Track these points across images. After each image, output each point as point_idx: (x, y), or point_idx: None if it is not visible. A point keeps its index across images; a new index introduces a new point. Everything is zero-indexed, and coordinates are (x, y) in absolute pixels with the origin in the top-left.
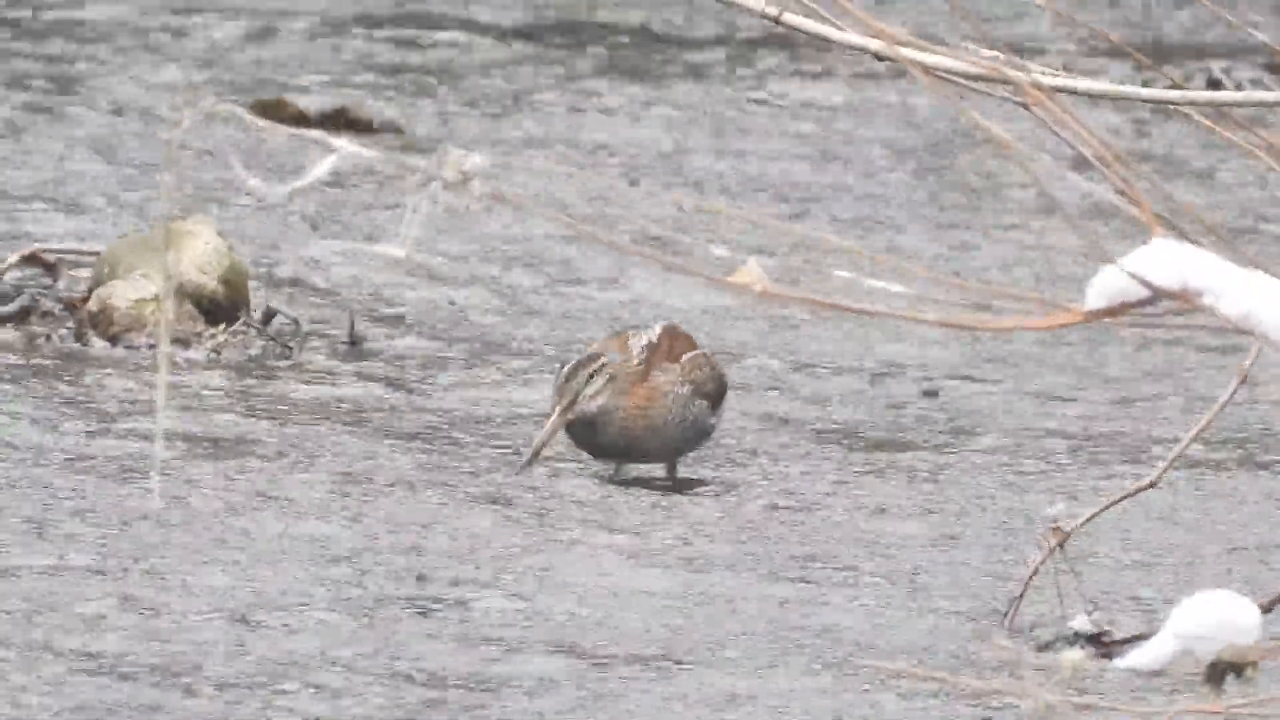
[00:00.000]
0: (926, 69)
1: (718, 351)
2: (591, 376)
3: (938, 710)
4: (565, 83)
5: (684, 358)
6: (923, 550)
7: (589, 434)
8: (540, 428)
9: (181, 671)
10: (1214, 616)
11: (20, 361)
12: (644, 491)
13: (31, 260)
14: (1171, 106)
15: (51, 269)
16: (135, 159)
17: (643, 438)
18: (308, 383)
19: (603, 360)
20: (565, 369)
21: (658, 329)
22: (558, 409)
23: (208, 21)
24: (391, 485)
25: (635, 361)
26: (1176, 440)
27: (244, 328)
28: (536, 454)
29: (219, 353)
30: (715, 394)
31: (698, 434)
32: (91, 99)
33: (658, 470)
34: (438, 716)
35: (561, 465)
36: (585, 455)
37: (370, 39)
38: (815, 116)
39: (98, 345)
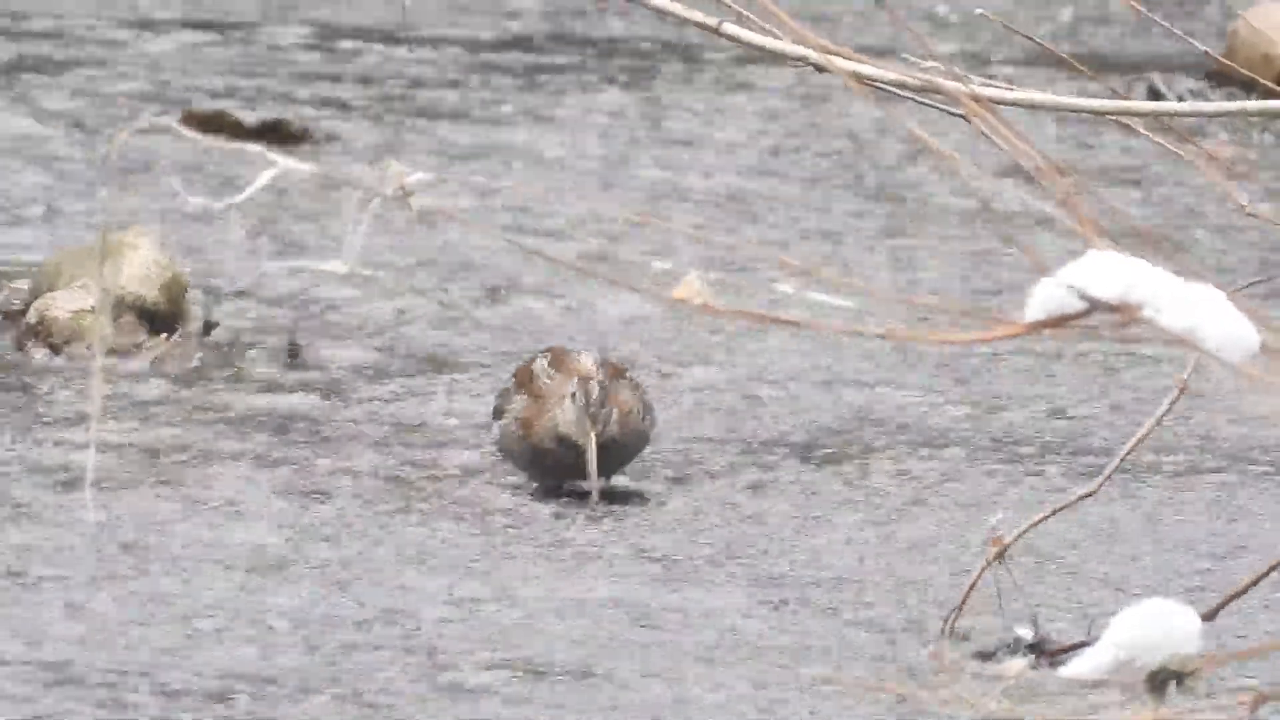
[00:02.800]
0: (863, 80)
1: (663, 361)
2: (604, 398)
3: (877, 719)
4: (505, 94)
5: (626, 374)
6: (863, 559)
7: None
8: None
9: (124, 680)
10: (1155, 625)
11: None
12: (583, 503)
13: None
14: (1111, 117)
15: None
16: (75, 170)
17: (624, 453)
18: (247, 393)
19: (597, 380)
20: (589, 399)
21: (588, 350)
22: (592, 434)
23: (149, 33)
24: (331, 495)
25: (598, 380)
26: (1116, 450)
27: (184, 338)
28: (595, 480)
29: (159, 363)
30: (651, 407)
31: (642, 447)
32: (31, 109)
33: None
34: None
35: (499, 477)
36: (522, 471)
37: (309, 50)
38: (757, 128)
39: (38, 355)
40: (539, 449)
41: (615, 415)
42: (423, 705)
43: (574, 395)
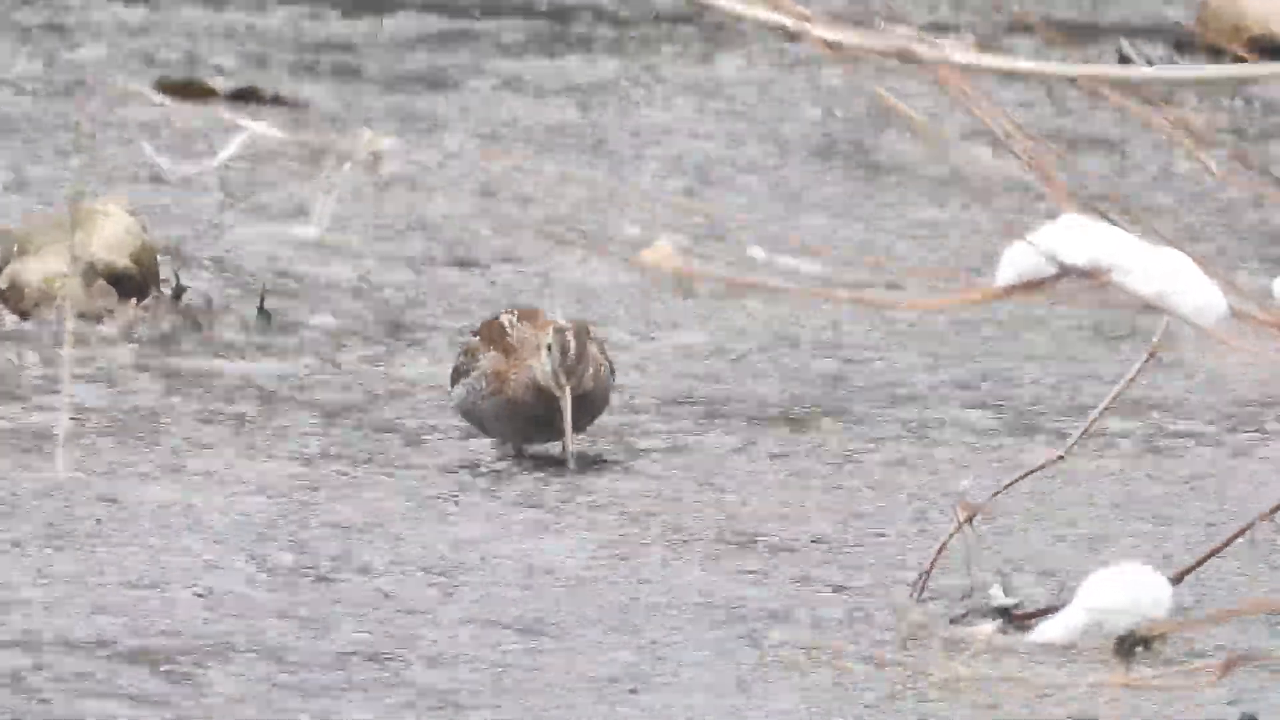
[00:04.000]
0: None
1: (634, 326)
2: (582, 353)
3: (848, 683)
4: (478, 59)
5: (589, 332)
6: (834, 524)
7: (547, 411)
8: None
9: (98, 644)
10: (1124, 589)
11: None
12: (551, 464)
13: None
14: (1081, 83)
15: None
16: (45, 136)
17: (595, 408)
18: (217, 358)
19: (571, 331)
20: (565, 351)
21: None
22: (566, 387)
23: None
24: (302, 459)
25: (574, 332)
26: (1087, 414)
27: (155, 303)
28: (569, 440)
29: (131, 328)
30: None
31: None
32: None
33: (555, 447)
34: (351, 689)
35: (471, 439)
36: (486, 433)
37: (281, 15)
38: (729, 95)
39: (9, 321)
40: (515, 402)
41: (590, 370)
42: (388, 664)
43: (549, 346)
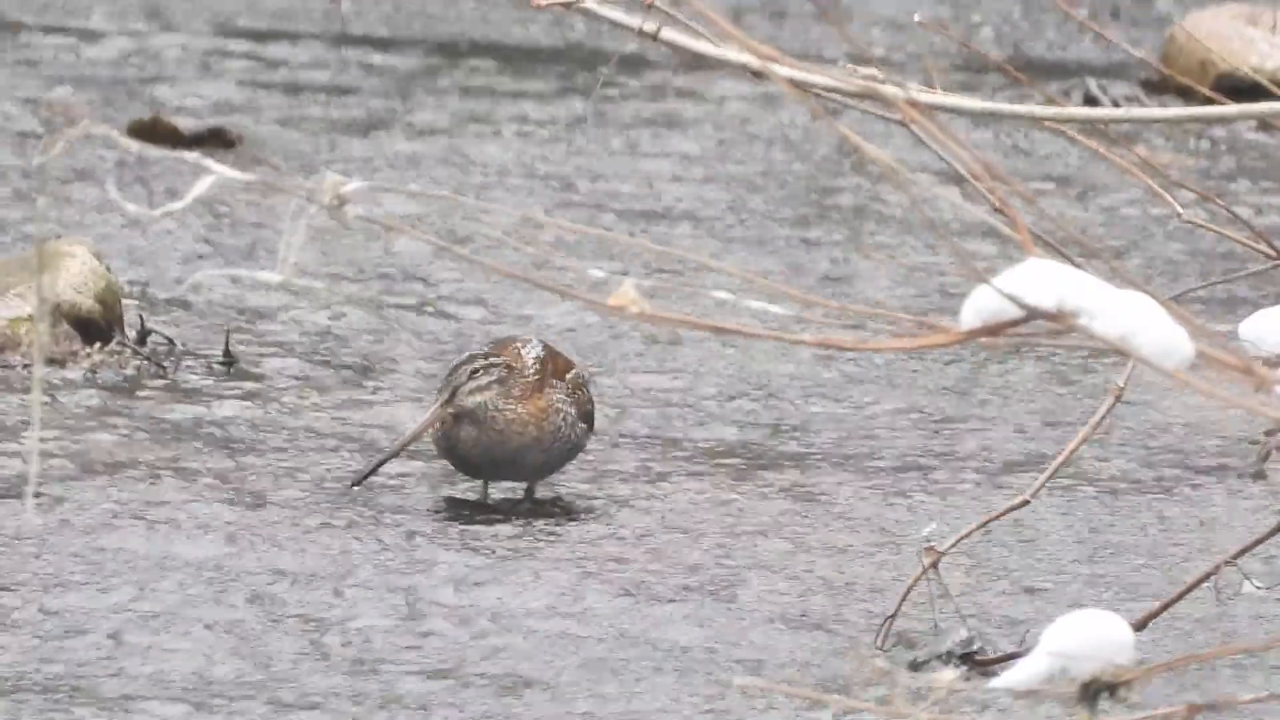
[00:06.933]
0: (801, 86)
1: (594, 369)
2: (475, 373)
3: None
4: (442, 100)
5: (567, 375)
6: (798, 569)
7: (463, 437)
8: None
9: (59, 689)
10: (1088, 635)
11: None
12: (517, 512)
13: None
14: (1048, 124)
15: None
16: (9, 177)
17: (522, 450)
18: (183, 402)
19: (493, 360)
20: (453, 363)
21: (539, 345)
22: (439, 401)
23: (82, 37)
24: (265, 504)
25: (531, 371)
26: (1051, 459)
27: (120, 347)
28: (405, 445)
29: (95, 372)
30: (590, 416)
31: (572, 454)
32: None
33: (520, 489)
34: None
35: (431, 485)
36: (456, 472)
37: (246, 57)
38: (695, 135)
39: None
40: (449, 435)
41: (482, 393)
42: (357, 715)
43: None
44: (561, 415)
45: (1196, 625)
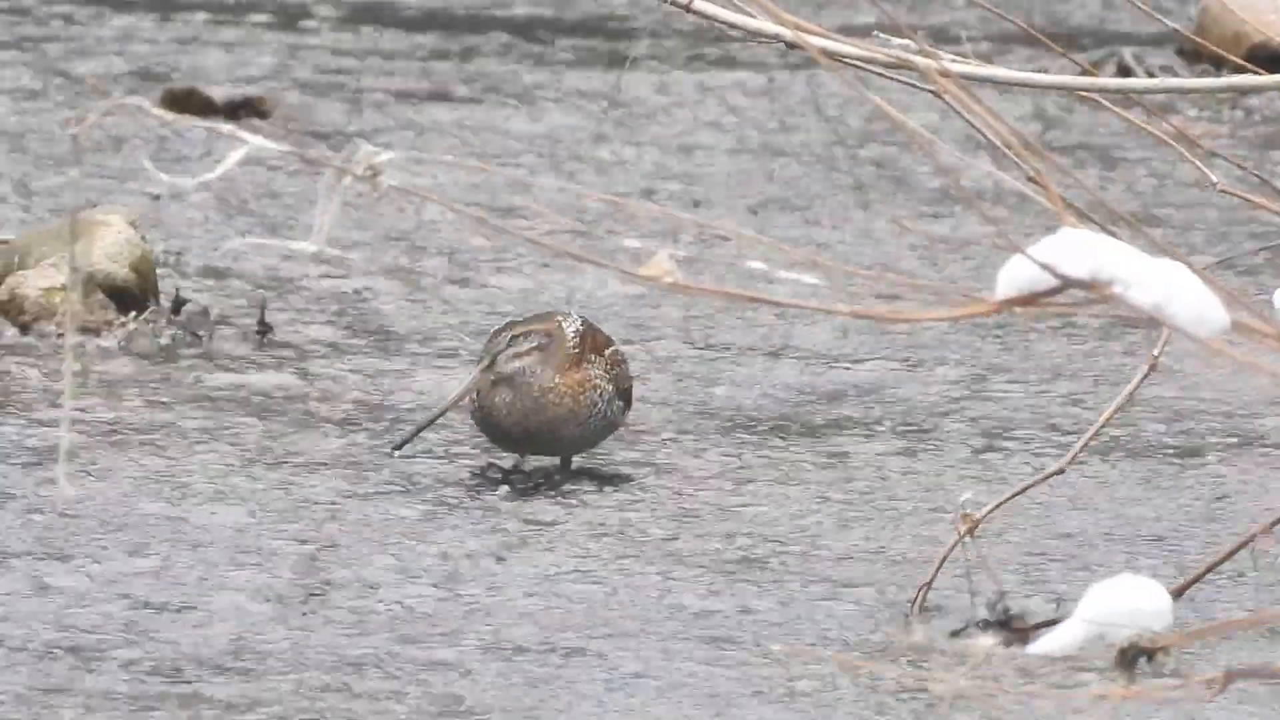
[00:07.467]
0: (835, 57)
1: (628, 340)
2: (515, 338)
3: (850, 695)
4: (476, 73)
5: (606, 352)
6: (834, 537)
7: (498, 403)
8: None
9: (89, 655)
10: (1125, 602)
11: None
12: (553, 480)
13: None
14: (1082, 94)
15: None
16: (45, 148)
17: (556, 422)
18: (217, 371)
19: (534, 327)
20: (494, 329)
21: (579, 319)
22: (479, 367)
23: (112, 10)
24: (300, 472)
25: (570, 344)
26: (1086, 427)
27: (154, 316)
28: (445, 410)
29: (129, 341)
30: (628, 393)
31: (608, 431)
32: None
33: (555, 461)
34: (350, 702)
35: (467, 456)
36: (491, 445)
37: (280, 28)
38: (727, 107)
39: (8, 333)
40: (484, 408)
41: (522, 359)
42: (396, 683)
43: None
44: (599, 391)
45: (1234, 593)
